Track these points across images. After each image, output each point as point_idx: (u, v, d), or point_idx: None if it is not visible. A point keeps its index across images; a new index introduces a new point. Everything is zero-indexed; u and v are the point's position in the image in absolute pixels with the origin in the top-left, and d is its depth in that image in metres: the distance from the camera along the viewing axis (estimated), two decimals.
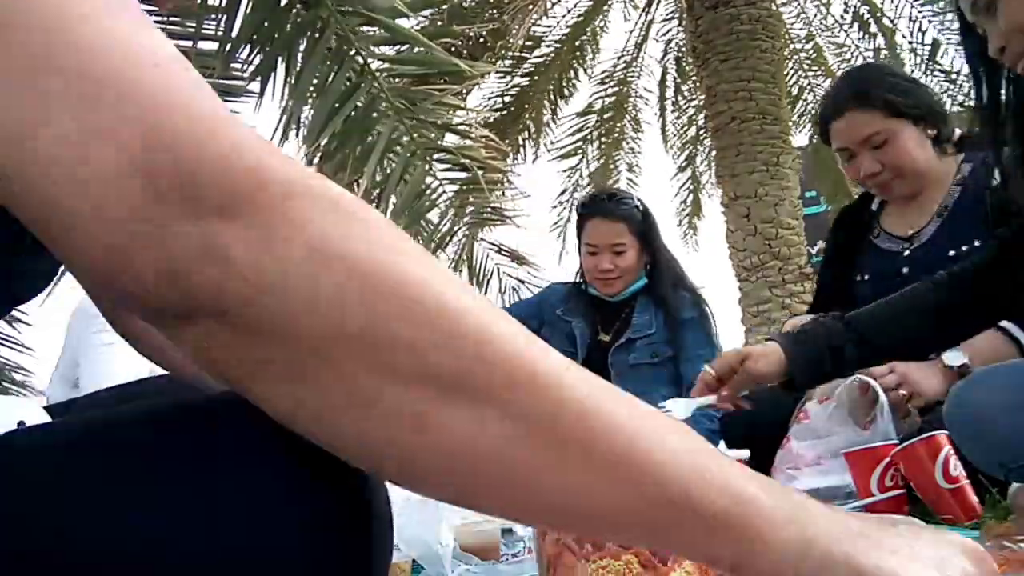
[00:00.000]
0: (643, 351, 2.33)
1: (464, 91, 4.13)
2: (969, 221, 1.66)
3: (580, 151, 7.95)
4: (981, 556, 0.41)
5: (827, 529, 0.37)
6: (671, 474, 0.34)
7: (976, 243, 1.62)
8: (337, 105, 3.12)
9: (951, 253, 1.65)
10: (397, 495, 1.12)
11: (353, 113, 3.21)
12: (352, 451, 0.35)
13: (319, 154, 3.53)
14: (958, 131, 1.82)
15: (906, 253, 1.75)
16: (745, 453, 0.76)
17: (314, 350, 0.32)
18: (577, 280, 2.49)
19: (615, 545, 0.64)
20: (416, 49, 3.29)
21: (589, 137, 7.90)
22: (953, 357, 1.51)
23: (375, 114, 3.28)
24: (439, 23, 5.66)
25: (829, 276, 1.97)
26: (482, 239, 4.34)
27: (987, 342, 1.51)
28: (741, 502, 0.35)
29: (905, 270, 1.73)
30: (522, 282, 4.48)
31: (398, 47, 3.48)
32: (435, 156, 3.49)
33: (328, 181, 0.35)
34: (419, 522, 1.04)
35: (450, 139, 3.54)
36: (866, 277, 1.81)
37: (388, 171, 3.44)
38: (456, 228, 4.00)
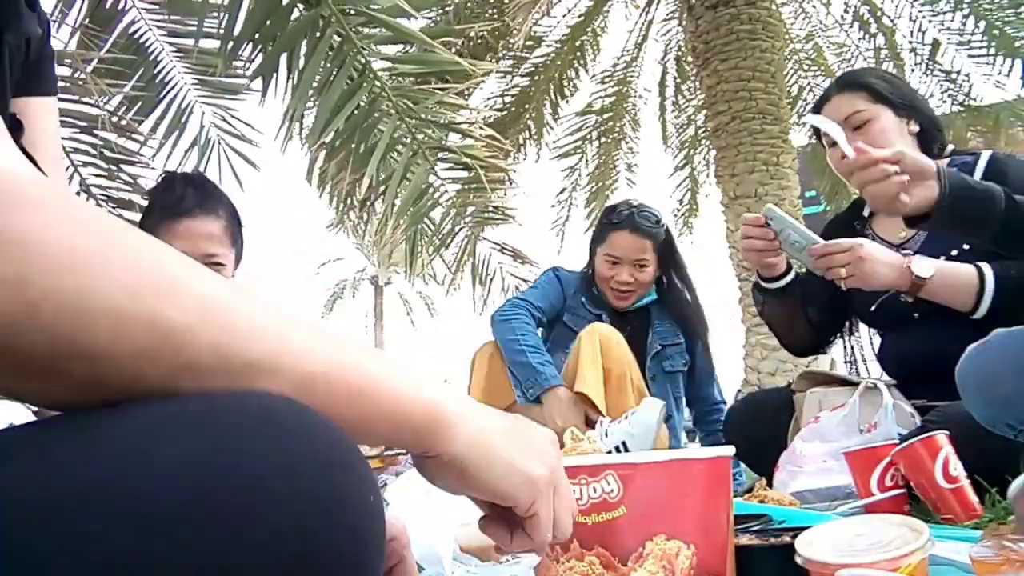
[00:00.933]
0: (676, 359, 2.42)
1: (466, 91, 4.12)
2: None
3: (580, 150, 7.95)
4: (552, 439, 0.56)
5: (489, 423, 0.51)
6: (388, 391, 0.45)
7: (965, 247, 1.63)
8: (339, 104, 3.12)
9: (942, 260, 1.66)
10: (400, 497, 1.11)
11: (355, 112, 3.20)
12: None
13: (322, 153, 3.53)
14: (951, 147, 1.83)
15: None
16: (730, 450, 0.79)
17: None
18: (587, 275, 2.51)
19: (576, 547, 0.72)
20: (417, 48, 3.28)
21: (589, 136, 7.90)
22: (922, 268, 1.55)
23: (377, 113, 3.28)
24: (438, 23, 5.65)
25: (817, 284, 1.96)
26: (485, 238, 4.34)
27: (958, 270, 1.57)
28: (435, 405, 0.48)
29: None
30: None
31: (400, 47, 3.48)
32: (437, 155, 3.49)
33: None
34: (419, 523, 1.03)
35: (452, 138, 3.53)
36: None
37: (391, 170, 3.44)
38: (458, 227, 4.00)
